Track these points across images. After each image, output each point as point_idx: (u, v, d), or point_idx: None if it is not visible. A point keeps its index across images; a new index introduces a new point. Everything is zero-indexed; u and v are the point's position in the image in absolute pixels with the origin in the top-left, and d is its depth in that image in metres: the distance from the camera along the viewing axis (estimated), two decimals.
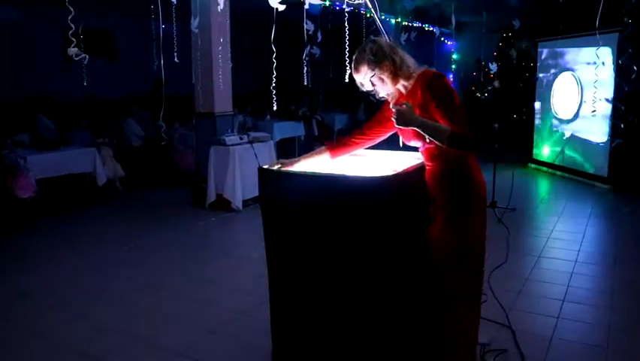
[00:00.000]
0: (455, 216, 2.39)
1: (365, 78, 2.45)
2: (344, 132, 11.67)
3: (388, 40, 2.54)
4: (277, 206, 2.64)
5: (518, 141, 10.35)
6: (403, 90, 2.49)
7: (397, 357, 2.47)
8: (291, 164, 2.70)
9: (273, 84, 3.32)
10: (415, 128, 2.33)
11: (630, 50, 6.36)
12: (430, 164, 2.46)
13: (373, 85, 2.46)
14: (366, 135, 2.72)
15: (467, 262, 2.41)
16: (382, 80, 2.43)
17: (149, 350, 3.17)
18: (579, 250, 4.84)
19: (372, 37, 2.52)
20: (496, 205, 5.97)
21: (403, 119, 2.32)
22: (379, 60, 2.39)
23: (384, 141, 2.79)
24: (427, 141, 2.35)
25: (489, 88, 11.63)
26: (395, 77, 2.43)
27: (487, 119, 8.53)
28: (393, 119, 2.35)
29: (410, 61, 2.45)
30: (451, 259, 2.40)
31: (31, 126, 7.25)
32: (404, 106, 2.33)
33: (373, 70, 2.40)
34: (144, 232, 5.71)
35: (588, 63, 7.56)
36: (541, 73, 9.04)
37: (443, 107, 2.29)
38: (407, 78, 2.44)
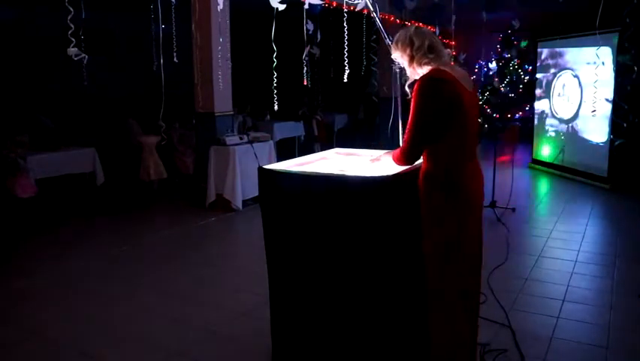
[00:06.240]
0: (434, 214, 2.38)
1: (395, 55, 2.53)
2: (344, 132, 11.68)
3: (420, 32, 2.49)
4: (277, 206, 2.64)
5: (518, 140, 10.35)
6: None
7: (396, 357, 2.47)
8: (378, 158, 2.76)
9: (274, 84, 3.32)
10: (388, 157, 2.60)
11: (633, 51, 6.35)
12: (423, 163, 2.47)
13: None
14: None
15: (445, 261, 2.37)
16: (404, 61, 2.49)
17: (149, 350, 3.17)
18: (579, 250, 4.84)
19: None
20: (496, 205, 5.97)
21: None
22: (402, 40, 2.45)
23: (384, 141, 2.79)
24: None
25: (489, 88, 11.63)
26: (411, 61, 2.45)
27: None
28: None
29: (436, 53, 2.40)
30: (430, 256, 2.40)
31: (31, 126, 7.25)
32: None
33: (397, 49, 2.49)
34: (144, 231, 5.72)
35: (588, 63, 7.56)
36: (541, 73, 9.04)
37: (410, 113, 2.34)
38: (420, 67, 2.43)
